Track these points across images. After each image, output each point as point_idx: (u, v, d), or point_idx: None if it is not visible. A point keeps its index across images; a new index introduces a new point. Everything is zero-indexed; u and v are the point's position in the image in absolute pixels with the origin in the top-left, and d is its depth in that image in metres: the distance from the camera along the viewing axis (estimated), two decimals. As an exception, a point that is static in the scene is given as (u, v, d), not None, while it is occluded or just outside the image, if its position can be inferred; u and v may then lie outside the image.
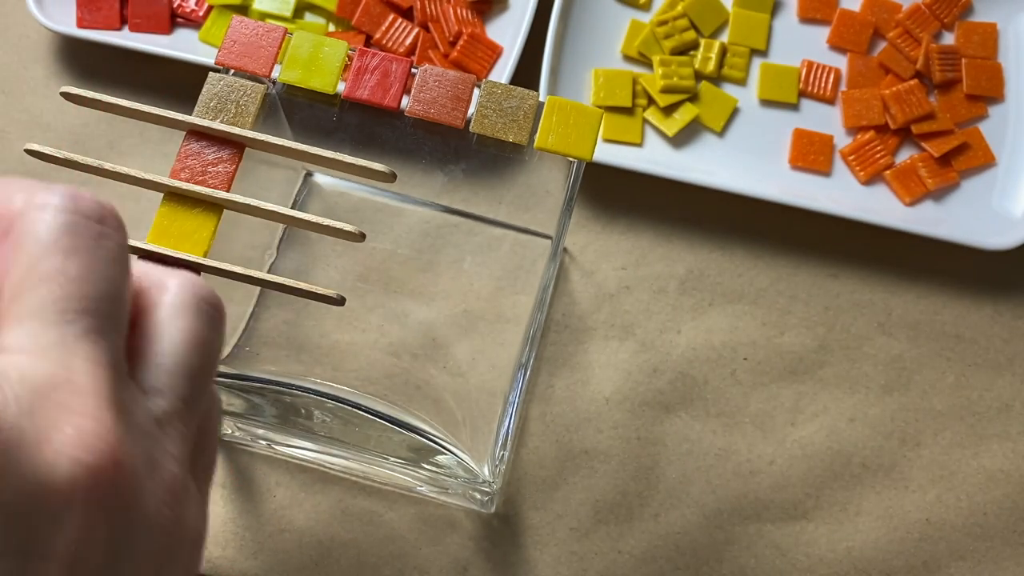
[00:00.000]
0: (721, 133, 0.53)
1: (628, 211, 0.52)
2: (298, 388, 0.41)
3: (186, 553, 0.19)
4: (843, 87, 0.55)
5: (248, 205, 0.33)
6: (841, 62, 0.55)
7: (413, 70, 0.37)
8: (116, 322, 0.19)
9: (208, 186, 0.33)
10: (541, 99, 0.37)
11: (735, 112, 0.54)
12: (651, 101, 0.53)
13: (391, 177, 0.32)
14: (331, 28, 0.54)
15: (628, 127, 0.53)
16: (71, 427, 0.16)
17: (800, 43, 0.56)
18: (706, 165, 0.52)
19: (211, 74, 0.36)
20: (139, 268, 0.22)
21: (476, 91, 0.37)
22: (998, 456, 0.49)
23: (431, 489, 0.45)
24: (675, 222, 0.52)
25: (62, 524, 0.16)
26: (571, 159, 0.37)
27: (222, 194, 0.33)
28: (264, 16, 0.53)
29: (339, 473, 0.46)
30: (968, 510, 0.48)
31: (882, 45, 0.56)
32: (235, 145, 0.34)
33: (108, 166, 0.32)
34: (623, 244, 0.52)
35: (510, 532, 0.46)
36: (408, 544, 0.45)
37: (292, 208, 0.35)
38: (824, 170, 0.53)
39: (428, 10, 0.53)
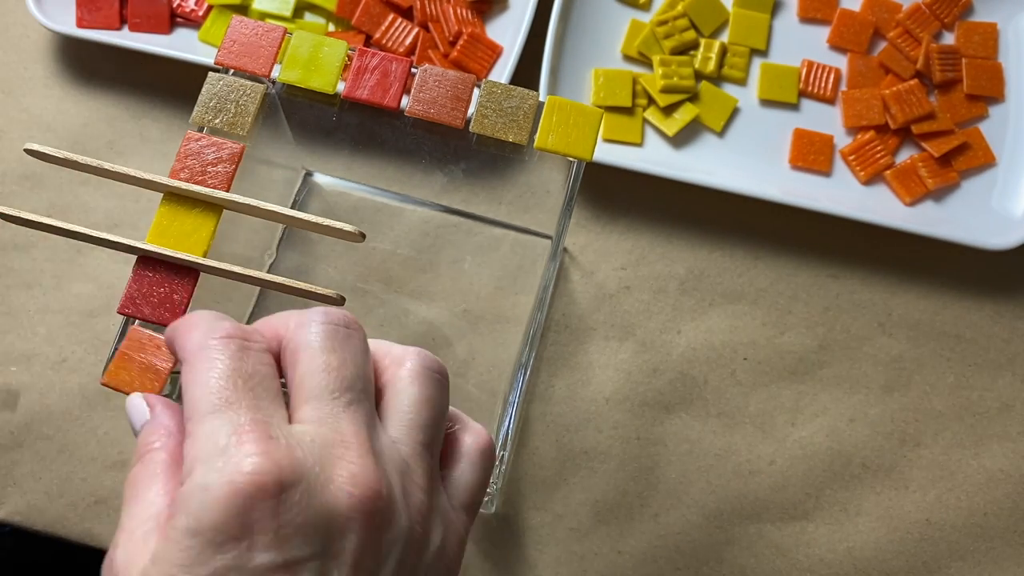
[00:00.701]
0: (721, 133, 0.53)
1: (628, 211, 0.52)
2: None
3: (433, 563, 0.25)
4: (843, 87, 0.55)
5: (248, 205, 0.33)
6: (841, 62, 0.55)
7: (413, 70, 0.37)
8: (366, 392, 0.26)
9: (208, 186, 0.33)
10: (541, 99, 0.37)
11: (735, 112, 0.54)
12: (651, 101, 0.53)
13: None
14: (331, 28, 0.54)
15: (628, 127, 0.53)
16: (345, 471, 0.23)
17: (800, 43, 0.56)
18: (706, 165, 0.52)
19: (211, 74, 0.36)
20: (384, 347, 0.28)
21: (476, 91, 0.37)
22: (998, 456, 0.49)
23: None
24: (675, 222, 0.52)
25: (346, 536, 0.23)
26: (571, 159, 0.37)
27: (222, 194, 0.33)
28: (264, 16, 0.53)
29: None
30: (968, 510, 0.48)
31: (882, 45, 0.56)
32: (231, 149, 0.34)
33: (108, 166, 0.32)
34: (623, 244, 0.52)
35: (510, 532, 0.46)
36: (408, 544, 0.45)
37: (292, 208, 0.35)
38: (824, 170, 0.53)
39: (428, 10, 0.53)
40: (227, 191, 0.33)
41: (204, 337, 0.25)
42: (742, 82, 0.55)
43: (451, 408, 0.29)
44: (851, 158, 0.53)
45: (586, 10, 0.55)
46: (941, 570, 0.47)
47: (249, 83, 0.36)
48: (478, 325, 0.48)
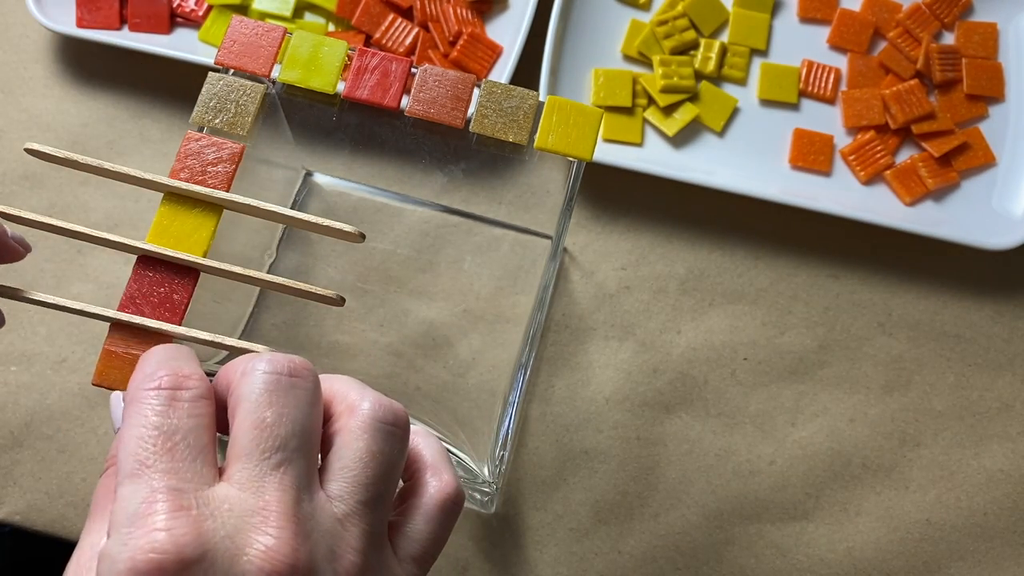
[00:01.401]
0: (721, 133, 0.53)
1: (628, 211, 0.52)
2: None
3: None
4: (843, 87, 0.55)
5: (248, 205, 0.33)
6: (841, 62, 0.55)
7: (413, 70, 0.37)
8: (302, 450, 0.25)
9: (208, 186, 0.33)
10: (541, 99, 0.37)
11: (735, 112, 0.54)
12: (651, 101, 0.53)
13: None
14: (331, 28, 0.54)
15: (628, 127, 0.53)
16: (260, 543, 0.22)
17: (800, 43, 0.56)
18: (706, 165, 0.52)
19: (211, 74, 0.36)
20: (342, 390, 0.27)
21: (476, 91, 0.37)
22: (998, 456, 0.49)
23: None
24: (675, 222, 0.52)
25: None
26: (571, 159, 0.37)
27: (222, 194, 0.33)
28: (264, 16, 0.53)
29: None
30: (968, 510, 0.48)
31: (882, 45, 0.56)
32: (232, 152, 0.34)
33: (108, 166, 0.32)
34: (623, 244, 0.52)
35: (510, 532, 0.46)
36: (408, 544, 0.45)
37: (292, 208, 0.35)
38: (824, 170, 0.53)
39: (428, 10, 0.53)
40: (227, 191, 0.33)
41: (137, 388, 0.25)
42: (742, 82, 0.55)
43: (428, 450, 0.29)
44: (851, 158, 0.53)
45: (586, 10, 0.55)
46: (941, 570, 0.47)
47: (249, 83, 0.36)
48: (478, 325, 0.48)
